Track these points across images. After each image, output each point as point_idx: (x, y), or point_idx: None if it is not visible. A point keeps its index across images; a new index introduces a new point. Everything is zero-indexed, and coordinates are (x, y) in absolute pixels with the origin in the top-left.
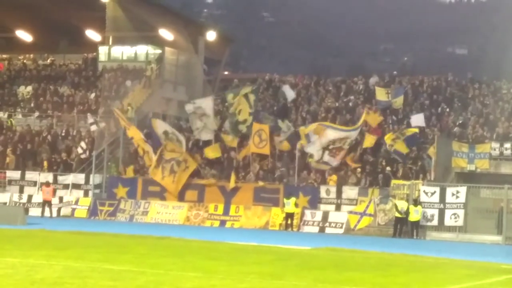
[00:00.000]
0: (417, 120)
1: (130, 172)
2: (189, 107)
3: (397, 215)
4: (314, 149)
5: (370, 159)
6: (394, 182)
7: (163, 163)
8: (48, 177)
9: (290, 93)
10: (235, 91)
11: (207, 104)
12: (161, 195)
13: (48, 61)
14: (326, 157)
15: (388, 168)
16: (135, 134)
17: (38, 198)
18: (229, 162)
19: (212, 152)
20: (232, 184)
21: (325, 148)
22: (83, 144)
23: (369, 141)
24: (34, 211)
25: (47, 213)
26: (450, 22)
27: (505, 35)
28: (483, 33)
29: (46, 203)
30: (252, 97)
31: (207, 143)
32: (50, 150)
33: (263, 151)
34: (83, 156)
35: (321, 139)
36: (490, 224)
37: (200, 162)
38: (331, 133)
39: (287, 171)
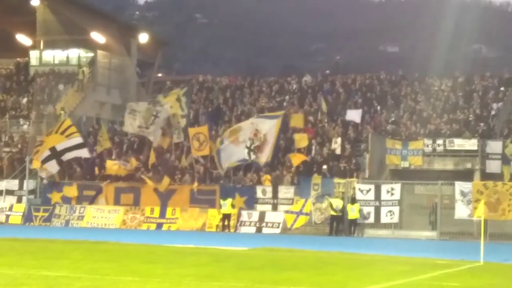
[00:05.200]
0: (353, 115)
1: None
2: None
3: (332, 213)
4: (228, 159)
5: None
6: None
7: None
8: None
9: None
10: (167, 94)
11: (141, 108)
12: (96, 199)
13: None
14: (253, 157)
15: (324, 167)
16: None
17: None
18: (164, 165)
19: (150, 160)
20: (163, 186)
21: (249, 149)
22: None
23: (302, 141)
24: None
25: None
26: (380, 20)
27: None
28: (414, 31)
29: None
30: (183, 99)
31: (141, 146)
32: None
33: (203, 153)
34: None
35: (235, 142)
36: (425, 220)
37: (136, 165)
38: (246, 128)
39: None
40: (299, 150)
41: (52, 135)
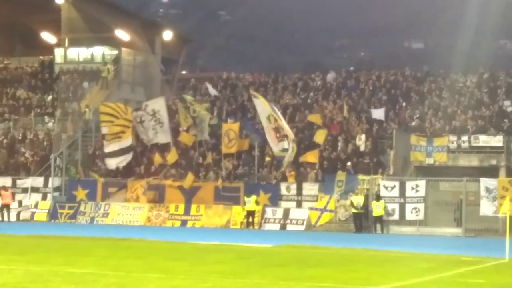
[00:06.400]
0: (378, 114)
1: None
2: (138, 113)
3: (354, 210)
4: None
5: (331, 155)
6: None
7: None
8: (6, 181)
9: (212, 91)
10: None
11: (160, 104)
12: (121, 196)
13: (1, 65)
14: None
15: (348, 163)
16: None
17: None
18: (188, 162)
19: (170, 157)
20: (188, 183)
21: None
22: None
23: (319, 137)
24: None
25: (5, 217)
26: (405, 16)
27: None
28: (439, 27)
29: (5, 207)
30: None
31: (165, 145)
32: (7, 154)
33: (231, 150)
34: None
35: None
36: (450, 217)
37: (160, 162)
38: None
39: (248, 170)
40: (314, 147)
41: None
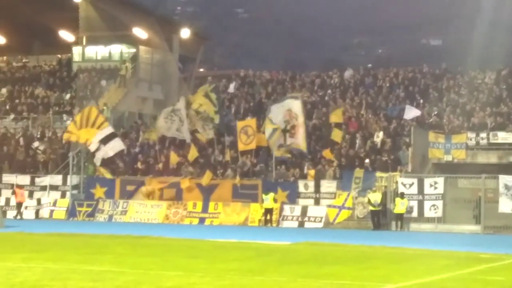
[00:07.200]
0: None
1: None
2: (167, 110)
3: (371, 208)
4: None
5: (348, 152)
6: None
7: None
8: (25, 179)
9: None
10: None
11: (182, 104)
12: (138, 194)
13: (20, 63)
14: (289, 140)
15: (366, 160)
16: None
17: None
18: (206, 160)
19: (190, 155)
20: (206, 181)
21: (284, 131)
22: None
23: (336, 136)
24: (12, 214)
25: (18, 215)
26: (423, 13)
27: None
28: (457, 24)
29: (19, 205)
30: (213, 96)
31: (182, 142)
32: (25, 152)
33: (250, 147)
34: None
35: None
36: (469, 214)
37: (178, 160)
38: (277, 111)
39: (265, 167)
40: (332, 145)
41: (84, 129)
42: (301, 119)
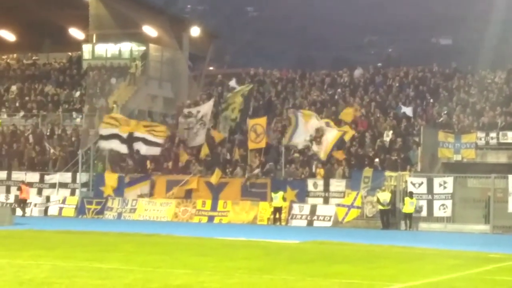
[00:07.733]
0: (406, 111)
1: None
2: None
3: (380, 207)
4: (300, 137)
5: (358, 151)
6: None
7: None
8: (34, 176)
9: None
10: (235, 91)
11: (208, 108)
12: (148, 192)
13: (30, 60)
14: (315, 147)
15: (376, 160)
16: None
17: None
18: (215, 158)
19: (202, 152)
20: (215, 179)
21: (312, 138)
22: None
23: (347, 135)
24: (21, 212)
25: (22, 212)
26: (433, 12)
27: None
28: (467, 23)
29: (22, 202)
30: (246, 95)
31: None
32: (35, 149)
33: (260, 145)
34: None
35: (307, 125)
36: (478, 213)
37: (188, 158)
38: (315, 122)
39: (274, 165)
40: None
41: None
42: (330, 140)
